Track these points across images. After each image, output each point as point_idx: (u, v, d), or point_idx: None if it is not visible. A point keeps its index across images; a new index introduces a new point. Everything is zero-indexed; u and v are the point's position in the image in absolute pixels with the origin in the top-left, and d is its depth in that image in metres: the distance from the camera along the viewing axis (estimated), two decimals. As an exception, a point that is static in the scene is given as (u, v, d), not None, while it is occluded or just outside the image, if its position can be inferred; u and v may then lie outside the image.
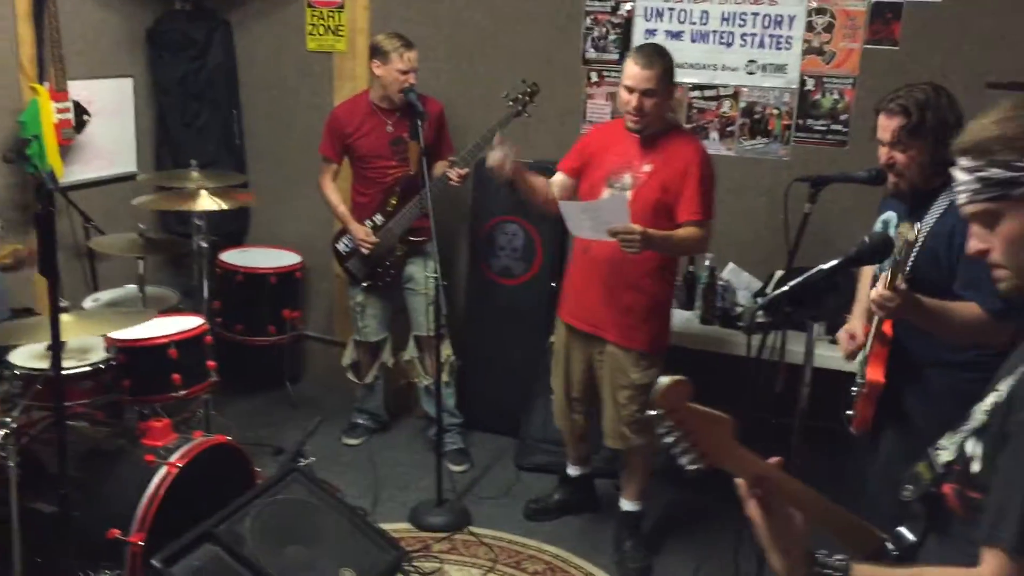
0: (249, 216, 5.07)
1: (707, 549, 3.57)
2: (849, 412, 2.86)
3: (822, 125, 3.99)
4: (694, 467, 1.41)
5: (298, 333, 4.82)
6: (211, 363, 3.32)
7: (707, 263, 3.96)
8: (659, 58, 3.19)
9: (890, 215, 2.61)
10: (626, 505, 3.57)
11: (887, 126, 2.50)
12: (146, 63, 4.73)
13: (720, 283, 3.97)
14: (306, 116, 4.85)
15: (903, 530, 1.57)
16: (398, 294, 4.29)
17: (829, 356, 3.37)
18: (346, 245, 4.21)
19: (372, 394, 4.51)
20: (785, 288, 1.86)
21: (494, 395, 4.50)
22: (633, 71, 3.16)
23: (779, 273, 3.96)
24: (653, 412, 1.39)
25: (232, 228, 4.92)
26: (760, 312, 2.41)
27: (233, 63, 4.87)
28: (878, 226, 2.66)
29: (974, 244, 1.42)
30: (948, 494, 1.47)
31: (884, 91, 3.84)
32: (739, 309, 3.94)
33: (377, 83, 4.03)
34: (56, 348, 2.10)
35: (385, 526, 3.59)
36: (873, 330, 2.57)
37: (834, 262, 1.80)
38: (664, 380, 1.38)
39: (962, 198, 1.40)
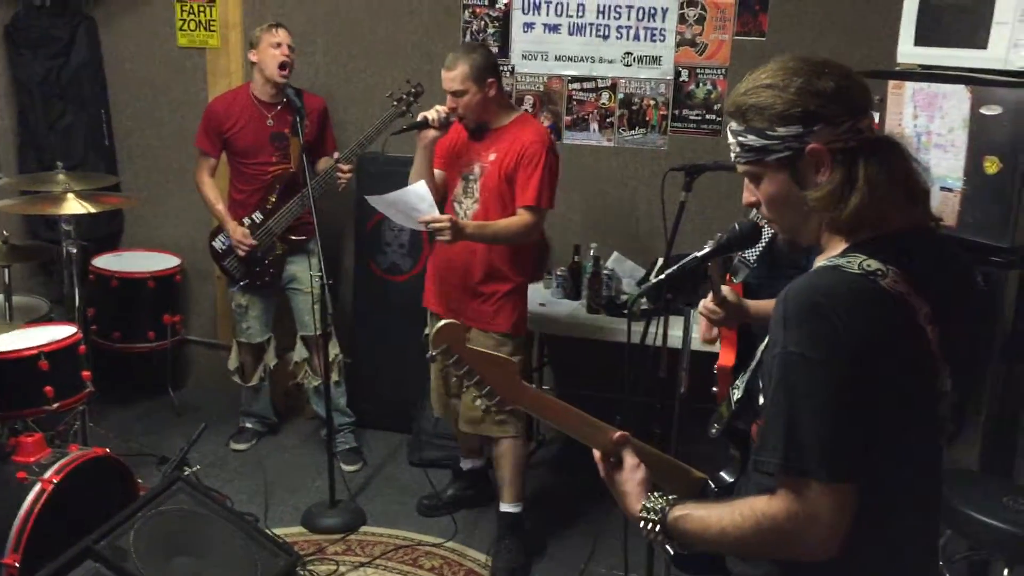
0: (123, 219, 4.88)
1: (593, 548, 3.57)
2: (715, 388, 2.96)
3: (697, 115, 4.09)
4: (490, 403, 1.54)
5: (180, 338, 4.68)
6: (86, 373, 3.19)
7: (591, 253, 4.01)
8: (464, 57, 3.23)
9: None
10: (504, 506, 3.54)
11: None
12: (5, 62, 4.51)
13: (605, 272, 4.03)
14: (179, 114, 4.71)
15: (723, 473, 1.69)
16: (280, 294, 4.21)
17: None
18: (222, 243, 4.10)
19: (258, 396, 4.42)
20: (662, 276, 1.90)
21: (385, 393, 4.46)
22: (442, 73, 3.26)
23: (661, 260, 4.06)
24: (433, 352, 1.49)
25: (105, 232, 4.73)
26: (641, 299, 2.49)
27: (99, 61, 4.68)
28: (754, 213, 2.74)
29: (745, 196, 1.52)
30: (753, 431, 1.58)
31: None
32: (624, 297, 4.01)
33: (256, 72, 3.94)
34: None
35: (278, 531, 3.55)
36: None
37: (707, 249, 1.85)
38: (439, 323, 1.51)
39: (732, 157, 1.50)
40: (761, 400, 1.49)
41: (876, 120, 3.13)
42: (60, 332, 3.19)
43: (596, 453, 1.62)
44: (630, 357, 2.83)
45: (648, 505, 1.51)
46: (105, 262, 4.44)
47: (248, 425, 4.41)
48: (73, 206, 3.34)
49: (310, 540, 3.57)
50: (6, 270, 3.49)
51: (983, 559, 2.86)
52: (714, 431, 1.63)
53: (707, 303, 2.55)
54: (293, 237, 4.06)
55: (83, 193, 3.42)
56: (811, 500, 1.30)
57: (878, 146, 1.42)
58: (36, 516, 2.64)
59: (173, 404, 4.69)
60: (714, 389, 2.82)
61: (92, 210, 3.35)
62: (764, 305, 2.33)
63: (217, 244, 4.12)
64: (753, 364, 1.56)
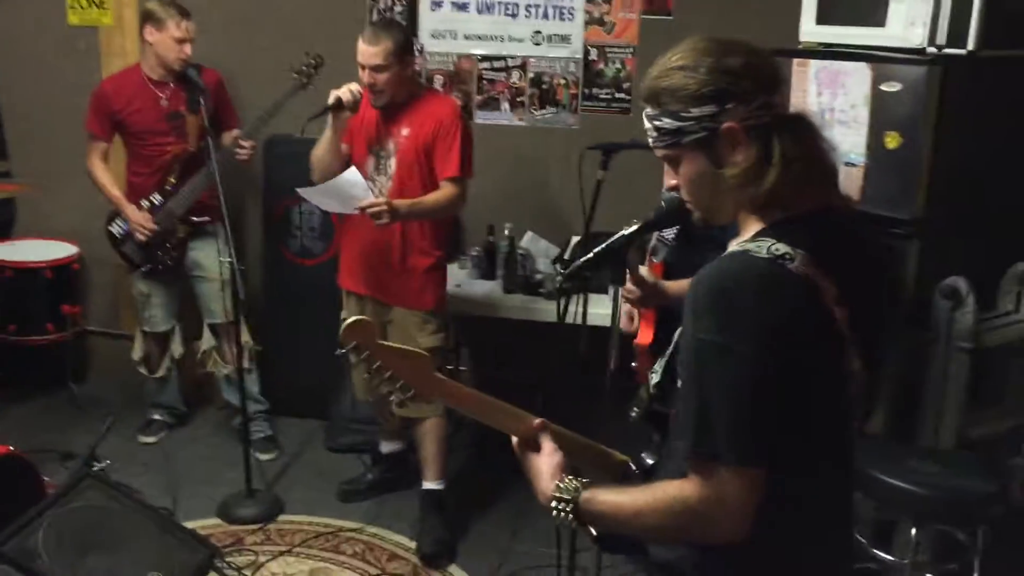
0: (14, 207, 4.65)
1: (516, 525, 3.59)
2: (634, 364, 3.01)
3: (607, 94, 4.13)
4: (403, 398, 1.52)
5: (80, 329, 4.50)
6: (-16, 368, 3.04)
7: (506, 232, 4.01)
8: (386, 33, 3.20)
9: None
10: (426, 484, 3.53)
11: None
12: None
13: (519, 252, 4.04)
14: (72, 96, 4.48)
15: (644, 455, 1.71)
16: (184, 280, 4.08)
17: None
18: (120, 228, 3.94)
19: (166, 387, 4.29)
20: (589, 255, 1.91)
21: (299, 379, 4.38)
22: (361, 48, 3.19)
23: (575, 239, 4.09)
24: (343, 350, 1.48)
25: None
26: (562, 278, 2.50)
27: (-16, 40, 4.45)
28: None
29: (667, 180, 1.54)
30: (672, 413, 1.60)
31: (662, 60, 4.08)
32: (539, 276, 4.02)
33: (150, 52, 3.80)
34: None
35: (192, 524, 3.46)
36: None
37: (634, 227, 1.87)
38: (349, 319, 1.49)
39: (650, 141, 1.50)
40: (680, 383, 1.51)
41: (782, 97, 3.22)
42: (-47, 326, 3.03)
43: (514, 440, 1.62)
44: (563, 336, 2.85)
45: (561, 487, 1.51)
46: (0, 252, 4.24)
47: (156, 417, 4.28)
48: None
49: (227, 531, 3.49)
50: None
51: (890, 520, 2.97)
52: (634, 414, 1.65)
53: (628, 285, 2.59)
54: (195, 219, 3.93)
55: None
56: (721, 484, 1.32)
57: (791, 122, 1.44)
58: (-65, 520, 2.50)
59: (75, 398, 4.51)
60: (633, 364, 2.88)
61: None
62: (682, 285, 2.36)
63: (114, 229, 3.97)
64: (671, 348, 1.58)
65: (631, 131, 4.04)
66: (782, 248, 1.36)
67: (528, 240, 4.15)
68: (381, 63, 3.14)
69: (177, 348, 4.21)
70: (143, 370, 4.21)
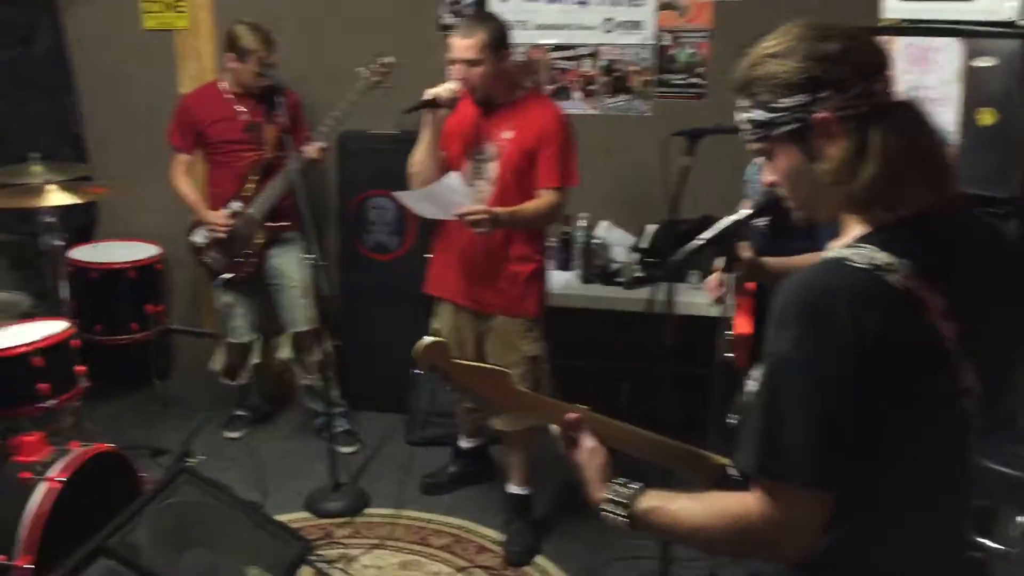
0: (96, 210, 4.76)
1: (600, 530, 3.59)
2: (730, 354, 2.97)
3: (680, 79, 4.07)
4: (490, 415, 1.50)
5: (163, 328, 4.58)
6: (80, 368, 3.12)
7: (582, 223, 3.99)
8: (480, 25, 3.08)
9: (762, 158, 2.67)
10: (512, 488, 3.50)
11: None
12: (-35, 52, 4.35)
13: (595, 241, 4.01)
14: (149, 99, 4.58)
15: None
16: (264, 291, 4.13)
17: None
18: (202, 237, 4.02)
19: (249, 392, 4.36)
20: (702, 239, 1.88)
21: (376, 373, 4.41)
22: (454, 42, 3.09)
23: (652, 227, 4.05)
24: (419, 371, 1.47)
25: (78, 224, 4.60)
26: (638, 267, 2.45)
27: (64, 47, 4.54)
28: (751, 168, 2.73)
29: (766, 176, 1.46)
30: None
31: (738, 42, 3.99)
32: (615, 265, 4.00)
33: (231, 74, 3.87)
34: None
35: (282, 517, 3.49)
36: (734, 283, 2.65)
37: (745, 212, 1.83)
38: (423, 341, 1.47)
39: (743, 135, 1.43)
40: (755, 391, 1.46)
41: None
42: (52, 328, 3.10)
43: (553, 428, 1.57)
44: (657, 325, 2.82)
45: (611, 496, 1.47)
46: (82, 254, 4.31)
47: (240, 413, 4.35)
48: (55, 197, 3.24)
49: (316, 525, 3.54)
50: (-13, 267, 3.39)
51: (993, 507, 2.89)
52: (731, 420, 1.61)
53: (719, 274, 2.56)
54: (274, 224, 3.98)
55: (64, 184, 3.31)
56: (788, 506, 1.26)
57: (894, 111, 1.34)
58: (46, 516, 2.57)
59: (159, 395, 4.61)
60: (728, 355, 2.84)
61: (76, 201, 3.25)
62: (782, 263, 2.31)
63: (196, 238, 4.04)
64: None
65: (706, 117, 4.00)
66: (883, 258, 1.26)
67: (603, 229, 4.12)
68: (474, 57, 3.01)
69: (256, 358, 4.25)
70: (223, 378, 4.27)
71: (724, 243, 1.83)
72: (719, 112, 3.97)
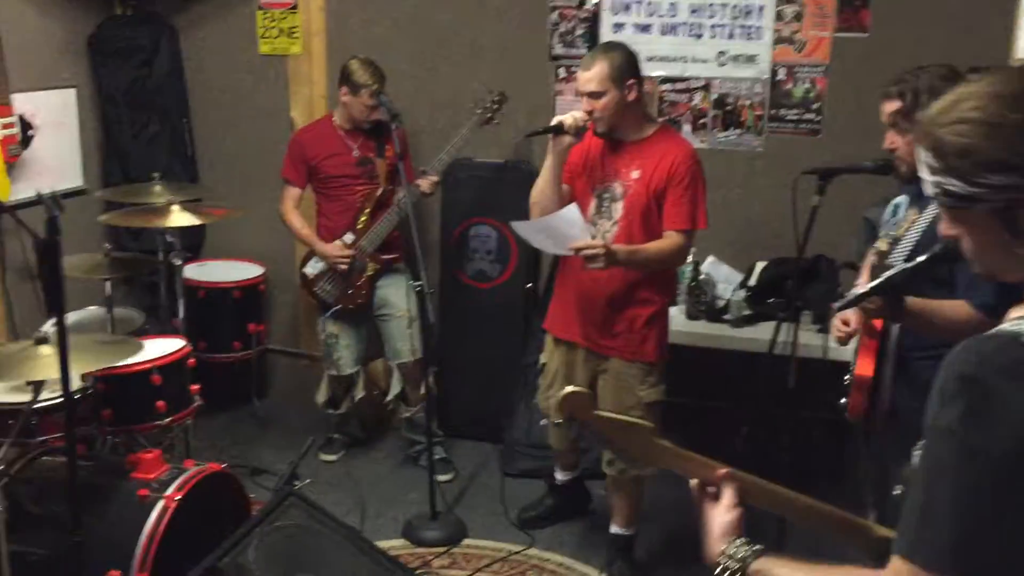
0: (204, 229, 4.86)
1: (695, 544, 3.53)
2: (843, 400, 2.86)
3: (795, 115, 3.99)
4: (628, 467, 1.45)
5: (263, 347, 4.65)
6: (194, 387, 3.16)
7: (690, 258, 3.91)
8: (603, 56, 2.99)
9: (902, 199, 2.59)
10: (615, 529, 3.42)
11: (885, 110, 2.48)
12: (89, 72, 4.49)
13: (701, 278, 3.94)
14: (261, 122, 4.68)
15: None
16: (370, 322, 4.15)
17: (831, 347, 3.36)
18: (314, 267, 4.06)
19: (346, 419, 4.38)
20: (872, 285, 1.79)
21: (473, 401, 4.40)
22: (578, 75, 3.04)
23: (760, 264, 3.96)
24: (558, 422, 1.42)
25: (189, 242, 4.70)
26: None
27: (181, 70, 4.67)
28: (889, 209, 2.64)
29: (945, 228, 1.32)
30: None
31: (856, 79, 3.92)
32: (721, 303, 3.91)
33: (343, 109, 3.94)
34: (66, 383, 1.94)
35: (380, 544, 3.47)
36: (862, 322, 2.55)
37: (920, 259, 1.73)
38: (565, 389, 1.42)
39: (927, 189, 1.29)
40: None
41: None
42: (169, 346, 3.16)
43: (692, 482, 1.51)
44: (769, 365, 2.74)
45: (729, 551, 1.40)
46: (190, 272, 4.40)
47: (337, 436, 4.37)
48: (178, 218, 3.31)
49: (414, 554, 3.51)
50: (107, 283, 3.47)
51: None
52: (897, 492, 1.50)
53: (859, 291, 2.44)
54: (384, 256, 4.02)
55: (185, 205, 3.39)
56: None
57: None
58: (162, 534, 2.59)
59: (257, 414, 4.66)
60: (843, 401, 2.74)
61: (198, 222, 3.31)
62: (924, 304, 2.21)
63: (309, 269, 4.08)
64: None
65: (820, 154, 3.93)
66: None
67: (709, 265, 4.04)
68: (596, 89, 2.95)
69: (359, 392, 4.27)
70: (328, 410, 4.29)
71: (892, 291, 1.74)
72: (834, 149, 3.91)
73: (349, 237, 3.97)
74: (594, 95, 2.98)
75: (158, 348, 3.09)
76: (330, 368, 4.19)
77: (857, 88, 3.88)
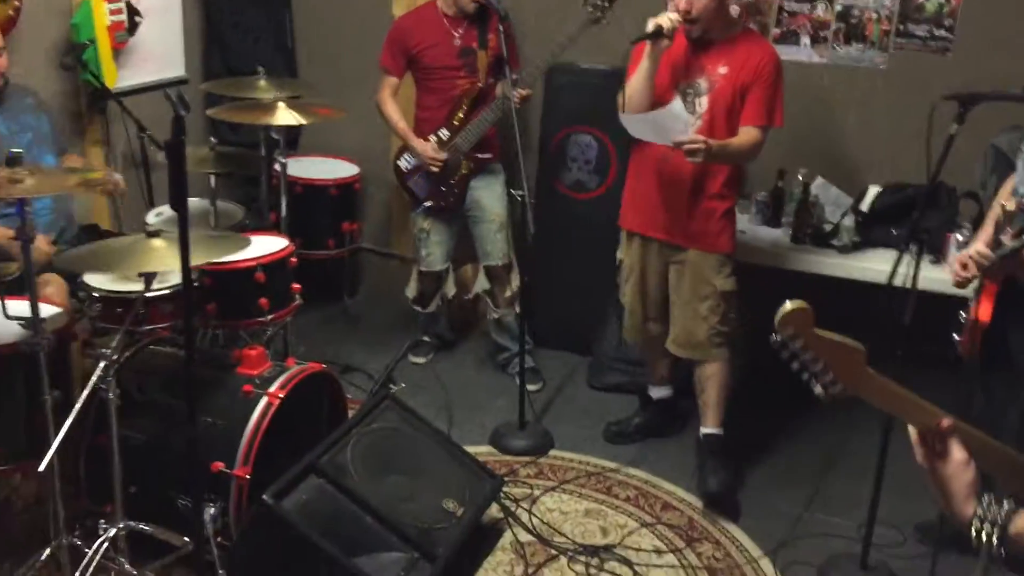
0: (302, 125, 4.82)
1: (791, 472, 3.54)
2: (957, 337, 2.76)
3: (924, 30, 3.75)
4: (828, 393, 1.36)
5: (356, 246, 4.66)
6: (296, 286, 3.18)
7: (800, 178, 3.77)
8: None
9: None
10: (706, 429, 3.43)
11: None
12: (194, -41, 4.45)
13: (809, 198, 3.79)
14: (361, 19, 4.60)
15: None
16: (462, 220, 4.11)
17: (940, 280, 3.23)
18: (408, 162, 4.01)
19: (437, 319, 4.39)
20: (1008, 248, 1.66)
21: (563, 313, 4.37)
22: None
23: (874, 188, 3.79)
24: (778, 337, 1.33)
25: (286, 137, 4.68)
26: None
27: (284, -38, 4.59)
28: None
29: None
30: None
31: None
32: (828, 226, 3.77)
33: None
34: (188, 285, 1.95)
35: (468, 449, 3.52)
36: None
37: None
38: (787, 305, 1.32)
39: None
40: None
41: None
42: (273, 244, 3.17)
43: (913, 433, 1.43)
44: (882, 297, 2.64)
45: (982, 513, 1.33)
46: (288, 167, 4.40)
47: (426, 339, 4.39)
48: (284, 116, 3.28)
49: (501, 461, 3.54)
50: (213, 177, 3.48)
51: None
52: None
53: (980, 248, 2.35)
54: (479, 155, 3.94)
55: (292, 103, 3.35)
56: None
57: None
58: (264, 430, 2.64)
59: (348, 312, 4.71)
60: (956, 337, 2.64)
61: (302, 121, 3.28)
62: None
63: (402, 163, 4.03)
64: None
65: (950, 75, 3.70)
66: None
67: (818, 186, 3.87)
68: None
69: (451, 289, 4.27)
70: (417, 307, 4.31)
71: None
72: (964, 71, 3.68)
73: (445, 133, 3.89)
74: None
75: (263, 246, 3.10)
76: (420, 264, 4.19)
77: (994, 4, 3.62)
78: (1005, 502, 1.34)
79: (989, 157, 3.52)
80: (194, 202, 3.78)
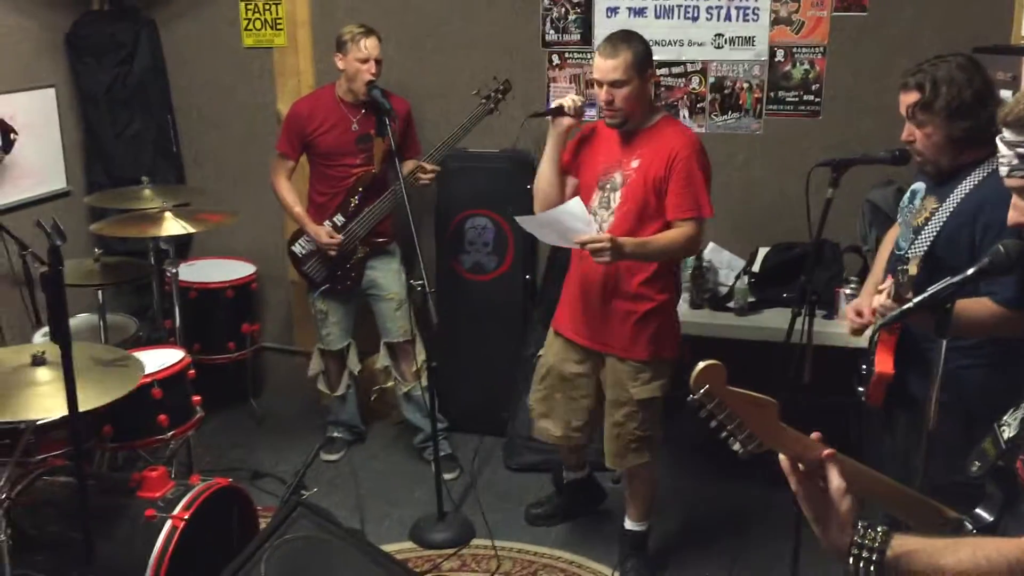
0: (192, 227, 4.75)
1: (710, 537, 3.55)
2: (861, 389, 2.83)
3: (794, 96, 3.93)
4: (746, 449, 1.39)
5: (258, 346, 4.56)
6: (196, 398, 3.08)
7: (692, 246, 3.86)
8: (625, 45, 2.92)
9: (919, 186, 2.54)
10: (630, 524, 3.38)
11: (904, 101, 2.42)
12: (68, 71, 4.37)
13: (703, 264, 3.88)
14: (247, 116, 4.58)
15: (980, 511, 1.53)
16: (360, 299, 4.09)
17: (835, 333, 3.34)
18: (303, 247, 3.98)
19: (345, 404, 4.30)
20: (911, 304, 1.72)
21: (472, 395, 4.34)
22: (598, 63, 2.95)
23: (763, 250, 3.91)
24: (693, 397, 1.36)
25: (176, 242, 4.60)
26: (879, 325, 2.31)
27: (163, 65, 4.54)
28: (907, 195, 2.59)
29: (1014, 216, 1.43)
30: (1020, 468, 1.46)
31: (855, 59, 3.86)
32: (724, 290, 3.86)
33: (342, 77, 3.81)
34: (74, 420, 1.86)
35: (387, 547, 3.42)
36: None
37: (968, 272, 1.67)
38: (701, 364, 1.36)
39: (1003, 170, 1.40)
40: None
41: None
42: (168, 357, 3.08)
43: (783, 461, 1.44)
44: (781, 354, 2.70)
45: (859, 540, 1.34)
46: (180, 272, 4.29)
47: (337, 435, 4.30)
48: (171, 226, 3.21)
49: (422, 556, 3.46)
50: (100, 292, 3.37)
51: None
52: (975, 469, 1.49)
53: (883, 300, 2.41)
54: (375, 239, 3.94)
55: (179, 210, 3.28)
56: None
57: None
58: (171, 555, 2.52)
59: (254, 414, 4.59)
60: (860, 389, 2.71)
61: (192, 230, 3.22)
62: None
63: (297, 248, 4.01)
64: None
65: (820, 136, 3.88)
66: None
67: (710, 251, 3.98)
68: (620, 77, 2.88)
69: (355, 364, 4.22)
70: (322, 387, 4.23)
71: (938, 305, 1.67)
72: (835, 132, 3.86)
73: (340, 218, 3.88)
74: (616, 84, 2.91)
75: (157, 360, 3.00)
76: (319, 343, 4.15)
77: (856, 68, 3.83)
78: (879, 528, 1.35)
79: (866, 212, 3.68)
80: (82, 318, 3.68)
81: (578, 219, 2.86)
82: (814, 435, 1.42)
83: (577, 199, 2.92)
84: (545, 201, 3.10)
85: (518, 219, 3.04)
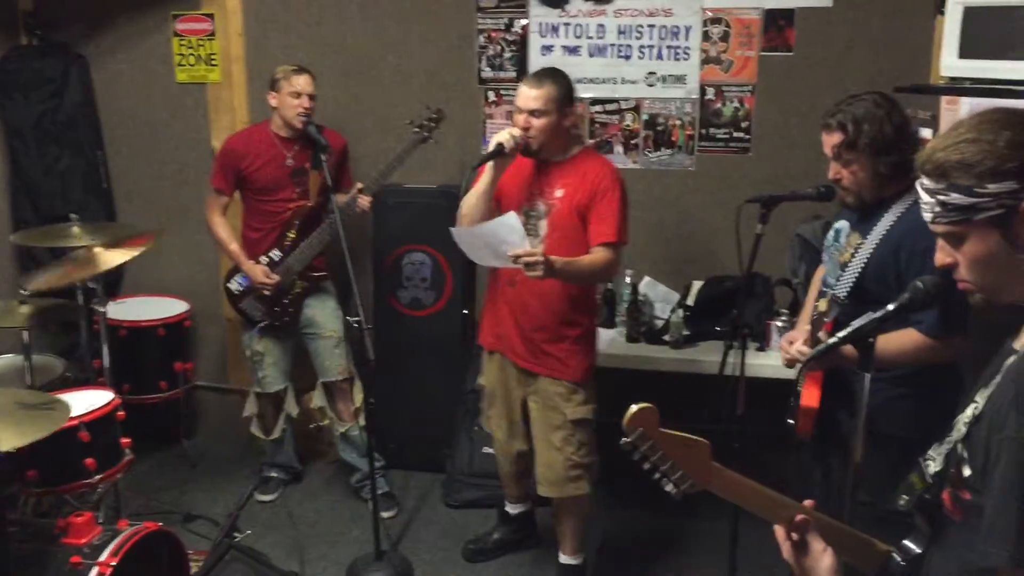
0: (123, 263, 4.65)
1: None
2: (791, 421, 2.87)
3: (725, 133, 4.01)
4: (679, 489, 1.44)
5: (191, 385, 4.48)
6: (125, 440, 3.01)
7: (627, 280, 3.91)
8: (550, 80, 3.05)
9: (843, 224, 2.61)
10: (565, 559, 3.39)
11: (827, 142, 2.50)
12: (-6, 106, 4.28)
13: (639, 298, 3.92)
14: (180, 152, 4.53)
15: (908, 543, 1.58)
16: (296, 338, 4.04)
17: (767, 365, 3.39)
18: (239, 284, 3.92)
19: (281, 447, 4.23)
20: (834, 339, 1.76)
21: (412, 432, 4.31)
22: (521, 91, 3.07)
23: (697, 284, 3.97)
24: (627, 439, 1.41)
25: (106, 279, 4.50)
26: (807, 361, 2.36)
27: (93, 101, 4.48)
28: (831, 234, 2.66)
29: (940, 257, 1.46)
30: (946, 500, 1.50)
31: (782, 97, 3.96)
32: (659, 323, 3.91)
33: (276, 114, 3.79)
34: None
35: (324, 589, 3.38)
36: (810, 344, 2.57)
37: (889, 308, 1.71)
38: (633, 408, 1.42)
39: (927, 216, 1.44)
40: (967, 472, 1.40)
41: (930, 137, 3.07)
42: (96, 399, 3.00)
43: (778, 531, 1.51)
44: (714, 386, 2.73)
45: None
46: (110, 310, 4.18)
47: (272, 475, 4.23)
48: (102, 262, 3.13)
49: (360, 597, 3.41)
50: (26, 333, 3.28)
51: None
52: (903, 503, 1.53)
53: (800, 347, 2.48)
54: (312, 273, 3.91)
55: (106, 245, 3.21)
56: None
57: None
58: (97, 604, 2.45)
59: (187, 454, 4.49)
60: (790, 421, 2.75)
61: (120, 260, 3.15)
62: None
63: (233, 286, 3.94)
64: (954, 436, 1.45)
65: (751, 171, 3.97)
66: None
67: (646, 285, 4.03)
68: (540, 108, 3.00)
69: (292, 408, 4.16)
70: (257, 431, 4.15)
71: (861, 341, 1.70)
72: (765, 167, 3.95)
73: (276, 253, 3.84)
74: (535, 113, 3.02)
75: (85, 402, 2.93)
76: (255, 386, 4.08)
77: (783, 106, 3.93)
78: None
79: (796, 246, 3.76)
80: (7, 359, 3.57)
81: (514, 231, 2.88)
82: (799, 517, 1.47)
83: (513, 213, 2.93)
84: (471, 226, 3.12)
85: (452, 231, 3.05)
